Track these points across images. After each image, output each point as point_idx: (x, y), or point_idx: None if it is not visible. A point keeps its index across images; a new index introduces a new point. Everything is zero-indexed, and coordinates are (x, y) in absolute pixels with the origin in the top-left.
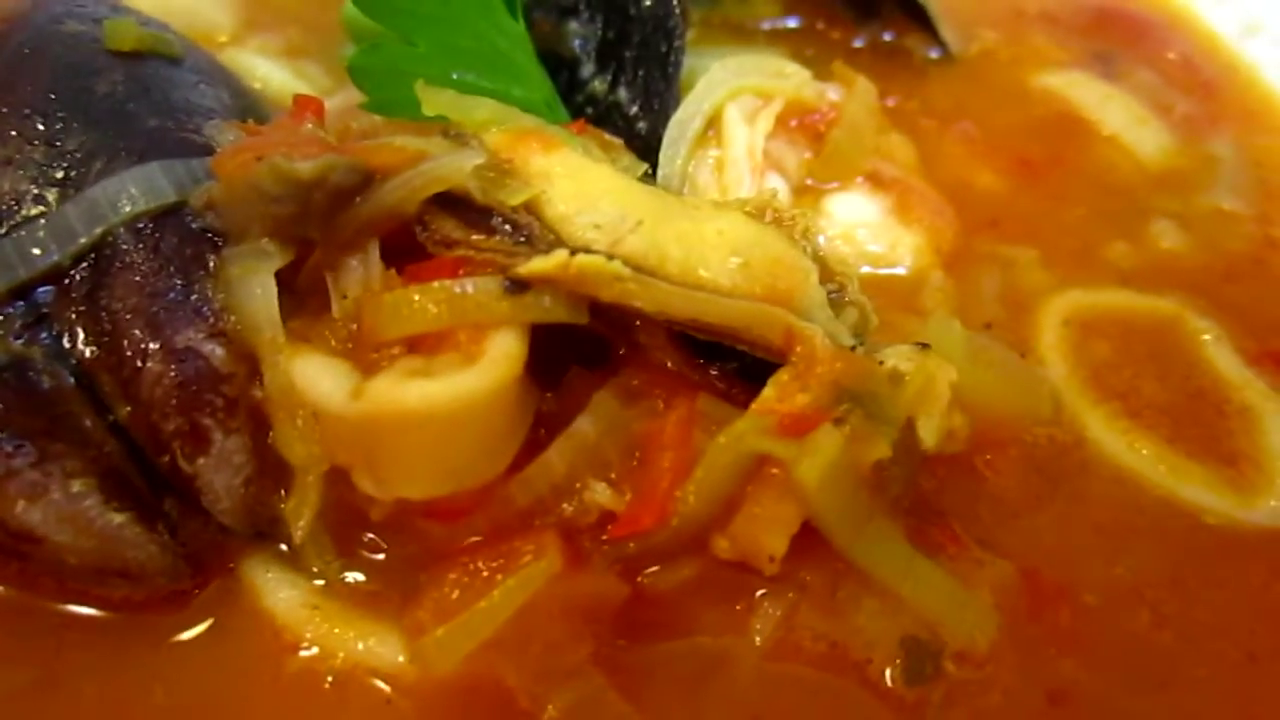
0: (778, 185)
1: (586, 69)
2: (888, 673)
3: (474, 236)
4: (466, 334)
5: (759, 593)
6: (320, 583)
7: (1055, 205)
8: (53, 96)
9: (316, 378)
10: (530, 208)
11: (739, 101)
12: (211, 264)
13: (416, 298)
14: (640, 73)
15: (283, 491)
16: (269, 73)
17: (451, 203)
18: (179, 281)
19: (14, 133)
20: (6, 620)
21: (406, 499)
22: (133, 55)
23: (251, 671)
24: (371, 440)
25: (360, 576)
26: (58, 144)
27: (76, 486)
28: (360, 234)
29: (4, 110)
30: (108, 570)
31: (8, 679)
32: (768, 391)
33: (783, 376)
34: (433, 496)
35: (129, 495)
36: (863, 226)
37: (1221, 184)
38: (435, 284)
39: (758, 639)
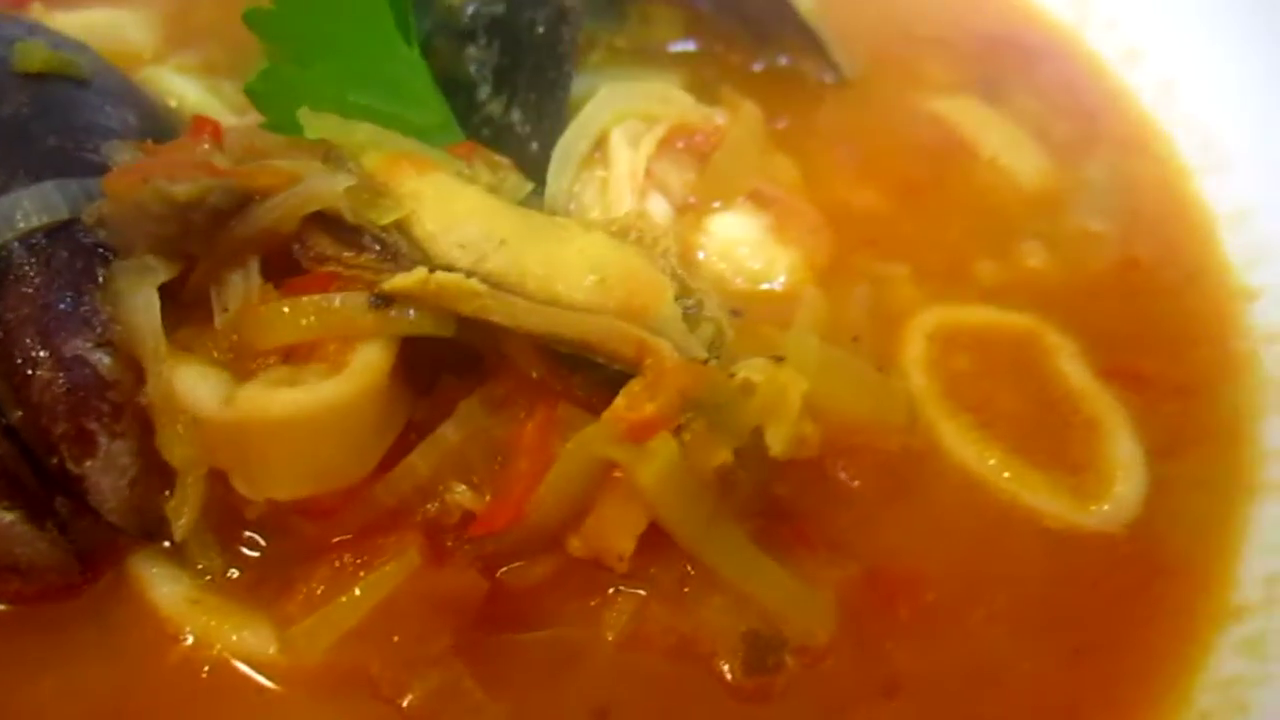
0: (660, 205)
1: (483, 91)
2: (730, 665)
3: (345, 254)
4: (336, 345)
5: (611, 589)
6: (202, 578)
7: (931, 225)
8: None
9: (194, 385)
10: (400, 227)
11: (625, 125)
12: (101, 277)
13: (287, 310)
14: (532, 95)
15: (167, 492)
16: (185, 90)
17: (326, 222)
18: (69, 293)
19: None
20: None
21: (276, 499)
22: (40, 77)
23: (136, 662)
24: (242, 444)
25: (238, 572)
26: None
27: None
28: (241, 250)
29: None
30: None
31: None
32: (619, 401)
33: (634, 387)
34: (300, 497)
35: (20, 494)
36: (742, 244)
37: (1092, 205)
38: (305, 298)
39: (610, 633)
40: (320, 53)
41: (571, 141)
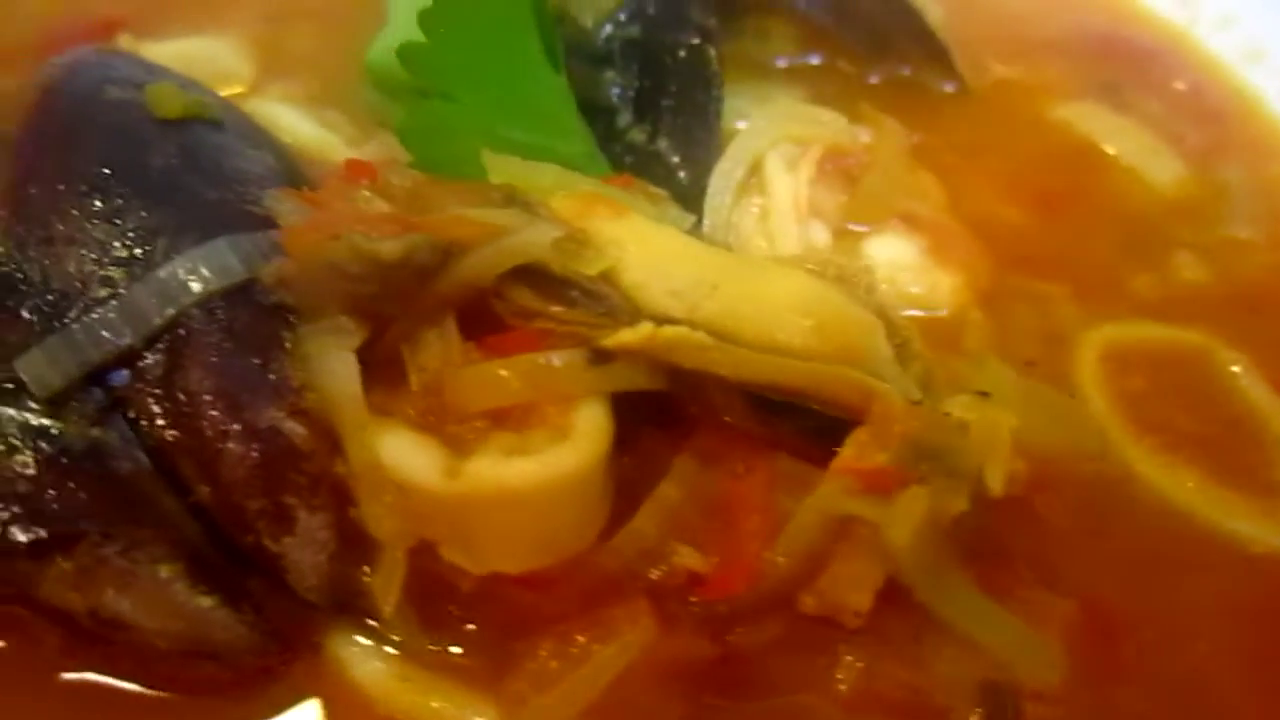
0: (819, 232)
1: (624, 118)
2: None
3: (554, 308)
4: (554, 407)
5: (842, 645)
6: (408, 655)
7: (1079, 239)
8: (107, 171)
9: (406, 455)
10: (607, 277)
11: (779, 149)
12: (287, 341)
13: (502, 372)
14: (680, 121)
15: (366, 566)
16: (295, 124)
17: (527, 274)
18: (256, 360)
19: (74, 210)
20: (92, 706)
21: (502, 572)
22: (179, 123)
23: None
24: (467, 517)
25: (451, 648)
26: (118, 221)
27: (164, 572)
28: (437, 307)
29: (60, 187)
30: (197, 653)
31: None
32: (847, 451)
33: (861, 436)
34: (529, 570)
35: (214, 577)
36: (903, 269)
37: (1235, 213)
38: (520, 357)
39: (843, 688)
40: (470, 85)
41: (729, 170)
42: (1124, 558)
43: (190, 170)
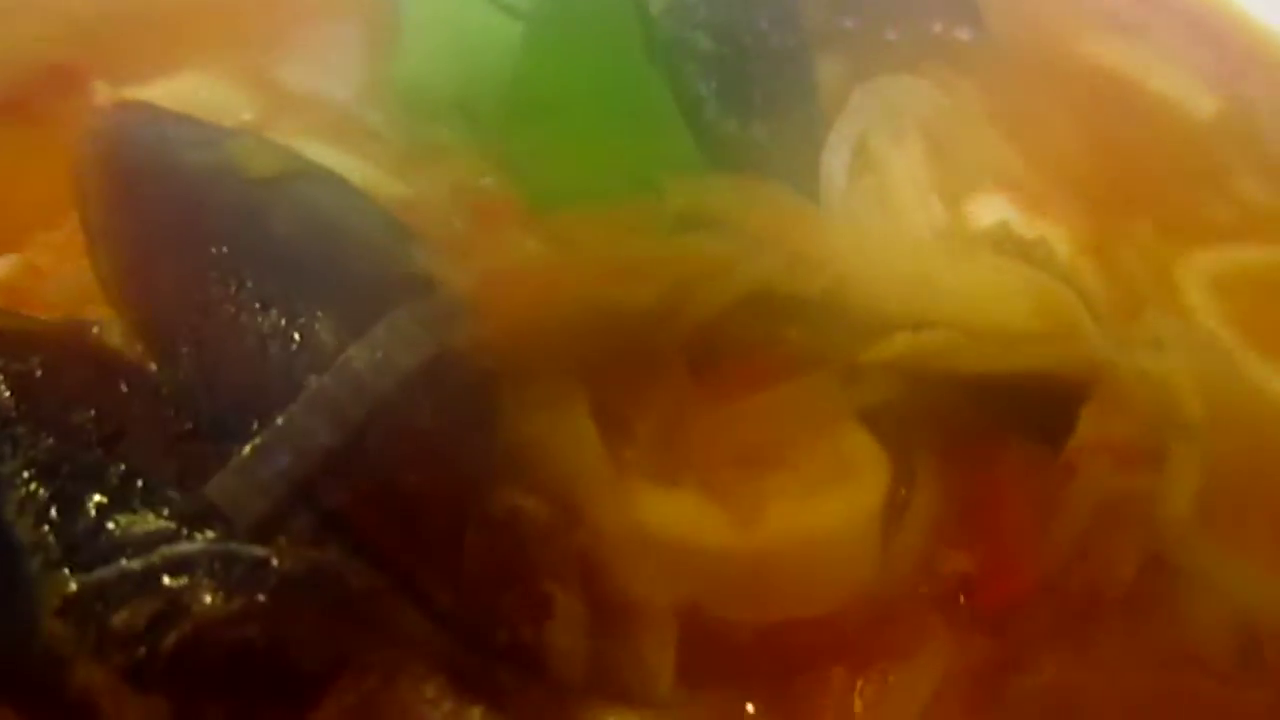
0: (936, 206)
1: (711, 108)
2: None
3: (789, 332)
4: (806, 439)
5: (1107, 618)
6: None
7: (1140, 172)
8: (231, 251)
9: (676, 514)
10: (829, 291)
11: (879, 126)
12: (501, 412)
13: (752, 411)
14: (773, 105)
15: (622, 639)
16: (338, 161)
17: (752, 301)
18: (475, 439)
19: (215, 304)
20: None
21: (793, 617)
22: (273, 181)
23: None
24: (762, 568)
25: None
26: (268, 308)
27: (429, 690)
28: (663, 352)
29: (189, 281)
30: None
31: None
32: (1085, 429)
33: (1093, 411)
34: (825, 611)
35: (474, 683)
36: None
37: (1271, 130)
38: (769, 391)
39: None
40: (578, 95)
41: (837, 150)
42: None
43: (316, 235)
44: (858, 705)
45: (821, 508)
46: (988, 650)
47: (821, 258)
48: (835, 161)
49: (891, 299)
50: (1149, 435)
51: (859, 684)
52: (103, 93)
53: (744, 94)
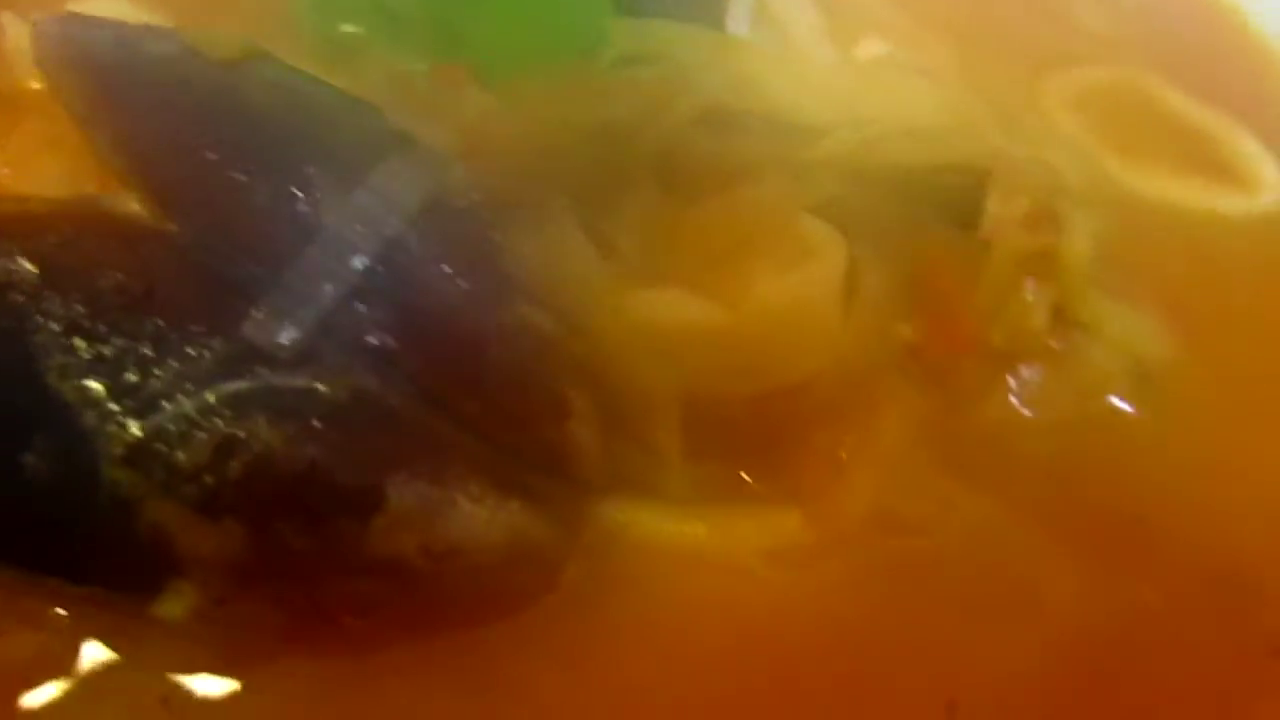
0: (829, 49)
1: None
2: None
3: (742, 143)
4: (768, 233)
5: (1023, 369)
6: (685, 501)
7: (997, 12)
8: (220, 126)
9: (671, 307)
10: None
11: None
12: (498, 238)
13: (720, 211)
14: None
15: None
16: None
17: (702, 120)
18: (480, 264)
19: (219, 172)
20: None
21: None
22: (238, 64)
23: (670, 596)
24: (753, 341)
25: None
26: (269, 170)
27: (474, 489)
28: (632, 172)
29: (186, 155)
30: (516, 558)
31: None
32: (993, 207)
33: (996, 191)
34: (808, 373)
35: (510, 481)
36: None
37: None
38: (733, 192)
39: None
40: None
41: (739, 14)
42: (1154, 252)
43: (292, 105)
44: (843, 457)
45: (795, 280)
46: (936, 401)
47: (755, 76)
48: (740, 20)
49: (824, 108)
50: (1046, 205)
51: (841, 439)
52: (12, 24)
53: None
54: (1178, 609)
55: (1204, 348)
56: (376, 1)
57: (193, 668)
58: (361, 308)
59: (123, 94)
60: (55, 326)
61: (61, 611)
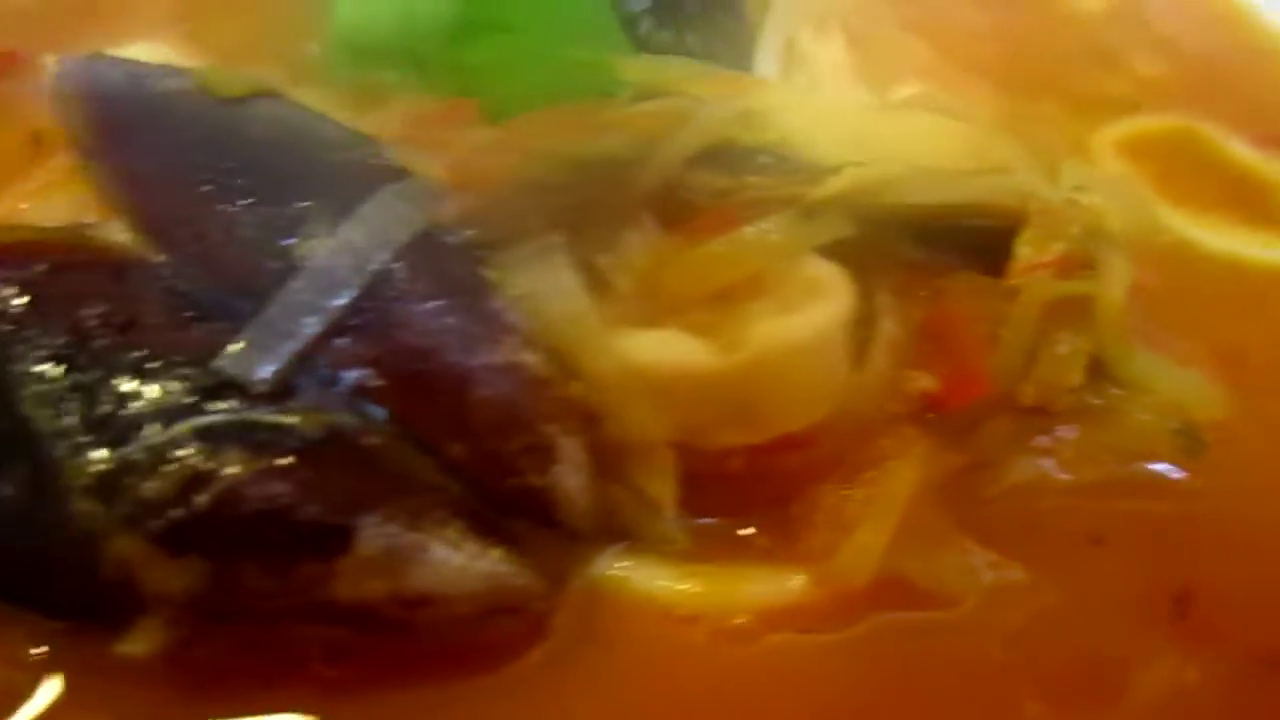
0: (862, 92)
1: (645, 24)
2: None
3: (750, 179)
4: (775, 273)
5: (1056, 428)
6: (682, 558)
7: (1042, 59)
8: (217, 159)
9: (664, 349)
10: (783, 140)
11: (804, 25)
12: (489, 275)
13: (722, 249)
14: (703, 17)
15: (620, 481)
16: None
17: (712, 156)
18: (469, 301)
19: (209, 203)
20: None
21: (786, 432)
22: (242, 100)
23: (662, 655)
24: (752, 386)
25: (739, 530)
26: (260, 202)
27: (451, 534)
28: (632, 206)
29: (180, 185)
30: (496, 609)
31: None
32: (1024, 250)
33: (1028, 236)
34: (811, 423)
35: (492, 528)
36: None
37: (1154, 9)
38: (737, 231)
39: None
40: (522, 8)
41: (768, 50)
42: (1208, 304)
43: (291, 139)
44: (850, 514)
45: (797, 321)
46: (957, 458)
47: (770, 113)
48: (769, 60)
49: (840, 146)
50: (1081, 249)
51: (848, 495)
52: (51, 65)
53: (676, 10)
54: (1223, 692)
55: (1259, 407)
56: (404, 46)
57: (164, 710)
58: (344, 343)
59: (126, 125)
60: (35, 354)
61: (36, 650)
